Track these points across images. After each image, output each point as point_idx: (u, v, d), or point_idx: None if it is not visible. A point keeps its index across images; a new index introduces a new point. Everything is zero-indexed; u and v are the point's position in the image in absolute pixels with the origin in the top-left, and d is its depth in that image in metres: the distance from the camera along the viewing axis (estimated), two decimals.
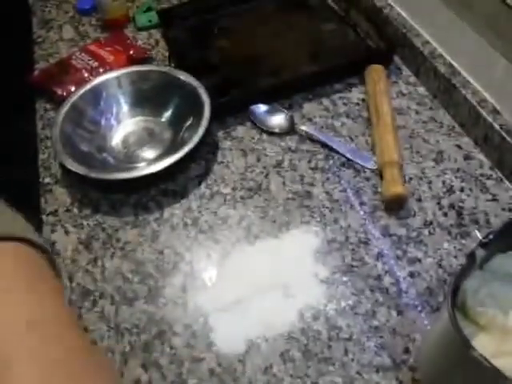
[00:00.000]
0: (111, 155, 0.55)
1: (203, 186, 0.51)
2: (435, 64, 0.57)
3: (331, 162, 0.52)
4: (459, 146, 0.53)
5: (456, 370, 0.33)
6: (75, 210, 0.50)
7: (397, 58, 0.62)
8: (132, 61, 0.64)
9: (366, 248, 0.45)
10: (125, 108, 0.59)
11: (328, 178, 0.51)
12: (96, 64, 0.64)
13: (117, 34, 0.70)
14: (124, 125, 0.58)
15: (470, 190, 0.49)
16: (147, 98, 0.59)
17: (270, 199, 0.49)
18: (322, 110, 0.57)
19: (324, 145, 0.53)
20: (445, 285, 0.42)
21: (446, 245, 0.44)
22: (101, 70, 0.63)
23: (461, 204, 0.47)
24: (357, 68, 0.60)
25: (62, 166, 0.52)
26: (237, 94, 0.58)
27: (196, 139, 0.51)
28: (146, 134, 0.57)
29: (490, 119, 0.50)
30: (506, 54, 0.53)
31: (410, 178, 0.50)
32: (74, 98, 0.57)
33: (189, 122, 0.55)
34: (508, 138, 0.48)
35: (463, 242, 0.45)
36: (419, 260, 0.44)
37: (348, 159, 0.52)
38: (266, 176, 0.52)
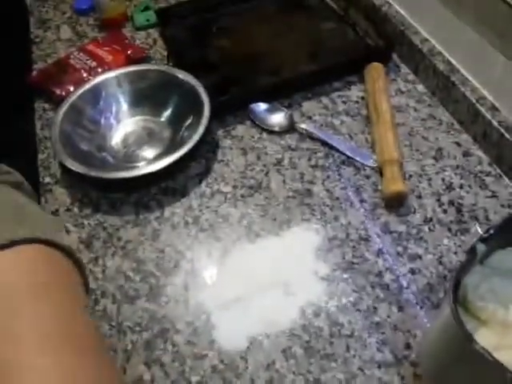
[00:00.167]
0: (111, 154, 0.56)
1: (203, 184, 0.52)
2: (434, 61, 0.57)
3: (331, 160, 0.53)
4: (458, 143, 0.53)
5: (458, 364, 0.33)
6: (75, 210, 0.51)
7: (395, 56, 0.63)
8: (130, 60, 0.65)
9: (367, 245, 0.45)
10: (124, 107, 0.59)
11: (328, 176, 0.51)
12: (94, 64, 0.64)
13: (115, 34, 0.70)
14: (123, 124, 0.59)
15: (470, 186, 0.49)
16: (146, 98, 0.59)
17: (270, 197, 0.50)
18: (321, 108, 0.58)
19: (324, 143, 0.54)
20: (445, 281, 0.42)
21: (445, 241, 0.45)
22: (99, 70, 0.63)
23: (460, 201, 0.48)
24: (356, 66, 0.60)
25: (62, 166, 0.52)
26: (236, 93, 0.59)
27: (196, 138, 0.51)
28: (146, 133, 0.58)
29: (488, 116, 0.51)
30: (504, 51, 0.53)
31: (410, 176, 0.51)
32: (73, 97, 0.57)
33: (188, 121, 0.55)
34: (507, 135, 0.49)
35: (463, 238, 0.45)
36: (419, 256, 0.44)
37: (348, 157, 0.53)
38: (267, 174, 0.52)
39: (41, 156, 0.57)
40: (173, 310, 0.42)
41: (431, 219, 0.47)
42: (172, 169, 0.51)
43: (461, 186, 0.49)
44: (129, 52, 0.66)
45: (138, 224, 0.49)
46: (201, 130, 0.52)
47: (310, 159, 0.53)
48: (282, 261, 0.45)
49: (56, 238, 0.26)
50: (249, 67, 0.63)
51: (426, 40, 0.60)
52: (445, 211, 0.47)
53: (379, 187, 0.50)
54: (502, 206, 0.47)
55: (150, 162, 0.53)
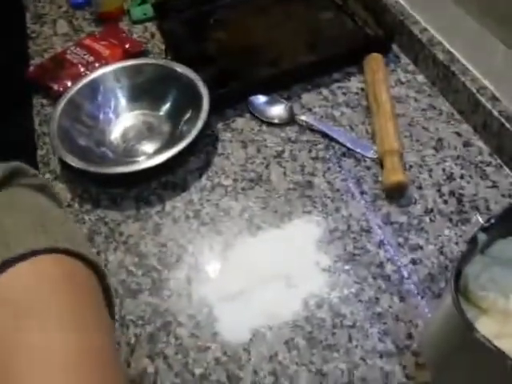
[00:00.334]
0: (110, 149, 0.56)
1: (204, 178, 0.52)
2: (434, 51, 0.57)
3: (332, 151, 0.53)
4: (458, 134, 0.54)
5: (459, 353, 0.34)
6: (76, 206, 0.51)
7: (395, 47, 0.63)
8: (128, 54, 0.65)
9: (368, 236, 0.46)
10: (122, 102, 0.59)
11: (329, 168, 0.52)
12: (92, 58, 0.64)
13: (112, 28, 0.70)
14: (122, 119, 0.59)
15: (470, 176, 0.50)
16: (145, 92, 0.59)
17: (271, 190, 0.50)
18: (321, 99, 0.58)
19: (324, 135, 0.54)
20: (446, 271, 0.43)
21: (446, 231, 0.46)
22: (97, 65, 0.63)
23: (461, 191, 0.48)
24: (355, 57, 0.60)
25: (62, 162, 0.53)
26: (235, 86, 0.59)
27: (195, 132, 0.51)
28: (145, 127, 0.58)
29: (489, 106, 0.51)
30: (504, 40, 0.53)
31: (411, 166, 0.51)
32: (71, 92, 0.57)
33: (187, 115, 0.56)
34: (507, 125, 0.49)
35: (464, 228, 0.46)
36: (421, 247, 0.45)
37: (348, 148, 0.53)
38: (267, 167, 0.52)
39: (40, 152, 0.57)
40: (175, 304, 0.43)
41: (432, 210, 0.47)
42: (172, 163, 0.51)
43: (461, 177, 0.50)
44: (126, 46, 0.66)
45: (139, 219, 0.49)
46: (200, 123, 0.52)
47: (310, 151, 0.53)
48: (284, 253, 0.45)
49: (79, 249, 0.26)
50: (247, 59, 0.63)
51: (426, 30, 0.60)
52: (445, 202, 0.48)
53: (380, 178, 0.50)
54: (503, 195, 0.48)
55: (149, 156, 0.53)
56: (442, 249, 0.44)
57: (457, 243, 0.45)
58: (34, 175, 0.30)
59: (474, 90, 0.52)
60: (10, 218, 0.26)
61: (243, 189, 0.51)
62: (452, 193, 0.48)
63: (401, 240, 0.45)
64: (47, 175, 0.54)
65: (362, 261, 0.44)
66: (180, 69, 0.58)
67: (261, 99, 0.57)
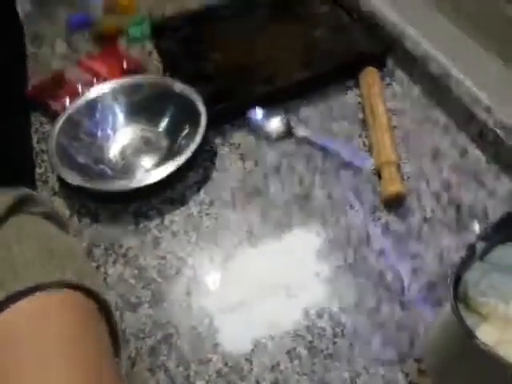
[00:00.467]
0: (109, 166, 0.59)
1: (202, 192, 0.55)
2: (428, 65, 0.62)
3: (329, 164, 0.56)
4: (455, 143, 0.57)
5: (460, 360, 0.36)
6: (75, 220, 0.54)
7: (390, 61, 0.67)
8: (126, 72, 0.69)
9: (368, 246, 0.48)
10: (121, 119, 0.63)
11: (327, 180, 0.55)
12: (90, 77, 0.69)
13: (110, 47, 0.74)
14: (121, 135, 0.62)
15: (468, 185, 0.53)
16: (143, 108, 0.63)
17: (270, 203, 0.53)
18: (318, 113, 0.62)
19: (321, 147, 0.58)
20: (446, 279, 0.45)
21: (446, 240, 0.48)
22: (95, 83, 0.67)
23: (459, 200, 0.51)
24: (351, 71, 0.65)
25: (60, 179, 0.56)
26: (232, 102, 0.63)
27: (193, 147, 0.54)
28: (143, 143, 0.61)
29: (484, 117, 0.54)
30: (498, 53, 0.58)
31: (408, 177, 0.54)
32: (70, 110, 0.61)
33: (186, 131, 0.59)
34: (502, 135, 0.52)
35: (463, 236, 0.48)
36: (420, 255, 0.47)
37: (346, 160, 0.56)
38: (265, 180, 0.55)
39: (38, 170, 0.60)
40: (176, 316, 0.45)
41: (431, 218, 0.50)
42: (170, 179, 0.54)
43: (459, 185, 0.53)
44: (124, 64, 0.70)
45: (138, 232, 0.52)
46: (198, 139, 0.55)
47: (308, 164, 0.57)
48: (284, 264, 0.48)
49: (85, 282, 0.27)
50: (244, 76, 0.67)
51: (419, 44, 0.64)
52: (444, 210, 0.51)
53: (378, 189, 0.53)
54: (501, 203, 0.51)
55: (148, 172, 0.57)
56: (442, 257, 0.47)
57: (456, 251, 0.47)
58: (43, 202, 0.33)
59: (469, 102, 0.56)
60: (20, 246, 0.28)
61: (242, 202, 0.54)
62: (450, 201, 0.51)
63: (400, 249, 0.48)
64: (46, 193, 0.57)
65: (362, 270, 0.47)
66: (177, 86, 0.62)
67: (258, 114, 0.61)
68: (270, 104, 0.62)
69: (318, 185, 0.54)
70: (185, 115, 0.60)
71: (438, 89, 0.61)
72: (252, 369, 0.41)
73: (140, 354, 0.43)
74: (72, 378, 0.24)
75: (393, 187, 0.51)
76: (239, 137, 0.60)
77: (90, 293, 0.28)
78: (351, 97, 0.64)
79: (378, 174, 0.54)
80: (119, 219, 0.53)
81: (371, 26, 0.69)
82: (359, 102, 0.63)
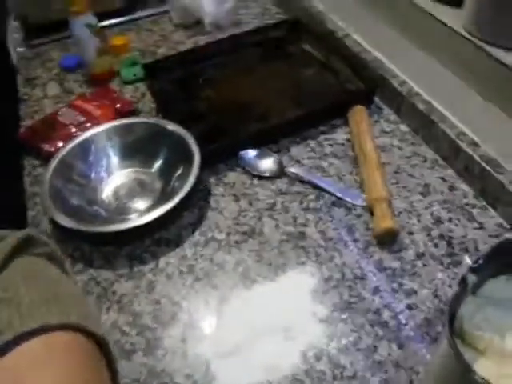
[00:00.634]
0: (102, 208, 0.60)
1: (197, 233, 0.56)
2: (413, 102, 0.65)
3: (322, 201, 0.58)
4: (443, 179, 0.59)
5: None
6: (67, 263, 0.54)
7: (377, 99, 0.71)
8: (119, 114, 0.71)
9: (363, 283, 0.49)
10: (114, 160, 0.65)
11: (320, 218, 0.56)
12: (83, 119, 0.71)
13: (103, 89, 0.77)
14: (114, 177, 0.64)
15: (458, 219, 0.55)
16: (136, 150, 0.65)
17: (264, 242, 0.54)
18: (309, 151, 0.64)
19: (314, 185, 0.60)
20: (442, 314, 0.46)
21: (439, 274, 0.50)
22: (88, 125, 0.69)
23: (450, 234, 0.53)
24: (340, 110, 0.68)
25: (53, 222, 0.56)
26: (225, 141, 0.65)
27: (187, 188, 0.56)
28: (137, 185, 0.63)
29: (469, 151, 0.57)
30: (479, 91, 0.61)
31: (400, 212, 0.56)
32: (63, 153, 0.63)
33: (179, 171, 0.61)
34: (488, 168, 0.55)
35: (456, 270, 0.50)
36: (415, 292, 0.49)
37: (338, 198, 0.58)
38: (259, 219, 0.57)
39: (31, 213, 0.61)
40: (171, 363, 0.45)
41: (423, 254, 0.52)
42: (164, 219, 0.55)
43: (449, 220, 0.55)
44: (117, 106, 0.72)
45: (133, 277, 0.53)
46: (191, 179, 0.57)
47: (301, 202, 0.58)
48: (280, 305, 0.49)
49: (88, 325, 0.28)
50: (236, 116, 0.70)
51: (405, 82, 0.68)
52: (436, 245, 0.52)
53: (370, 225, 0.55)
54: (490, 236, 0.53)
55: (142, 213, 0.58)
56: (437, 292, 0.48)
57: (450, 286, 0.49)
58: (45, 243, 0.34)
59: (454, 137, 0.59)
60: (26, 288, 0.29)
61: (237, 242, 0.55)
62: (441, 236, 0.53)
63: (395, 285, 0.49)
64: (36, 232, 0.58)
65: (359, 308, 0.48)
66: (170, 126, 0.64)
67: (251, 153, 0.63)
68: (262, 143, 0.65)
69: (311, 223, 0.56)
70: (178, 155, 0.61)
71: (424, 125, 0.64)
72: None
73: None
74: None
75: (384, 224, 0.53)
76: (233, 176, 0.62)
77: (91, 336, 0.29)
78: (341, 135, 0.66)
79: (370, 210, 0.56)
80: (113, 263, 0.54)
81: (358, 65, 0.73)
82: (349, 140, 0.65)
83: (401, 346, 0.45)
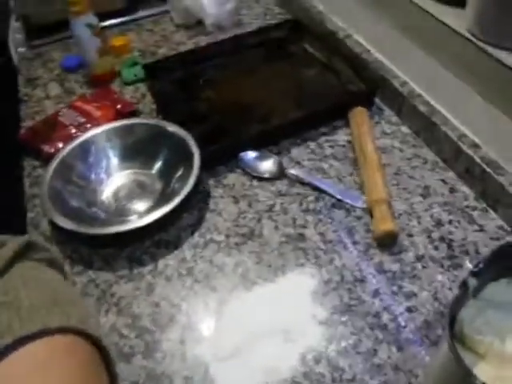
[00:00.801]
0: (102, 209, 0.60)
1: (196, 235, 0.56)
2: (415, 103, 0.65)
3: (322, 203, 0.58)
4: (444, 181, 0.59)
5: None
6: (67, 267, 0.54)
7: (378, 100, 0.71)
8: (119, 115, 0.71)
9: (362, 286, 0.50)
10: (114, 161, 0.65)
11: (320, 220, 0.56)
12: (83, 120, 0.71)
13: (103, 90, 0.77)
14: (114, 178, 0.64)
15: (458, 222, 0.55)
16: (136, 151, 0.65)
17: (263, 244, 0.55)
18: (309, 153, 0.64)
19: (314, 187, 0.60)
20: (442, 317, 0.46)
21: (439, 277, 0.50)
22: (88, 126, 0.70)
23: (450, 236, 0.53)
24: (341, 111, 0.68)
25: (52, 223, 0.57)
26: (225, 143, 0.65)
27: (187, 189, 0.56)
28: (137, 186, 0.63)
29: (470, 153, 0.57)
30: (480, 92, 0.61)
31: (400, 214, 0.56)
32: (63, 154, 0.63)
33: (179, 173, 0.61)
34: (489, 170, 0.55)
35: (456, 273, 0.50)
36: (415, 294, 0.49)
37: (338, 200, 0.58)
38: (259, 221, 0.57)
39: (30, 214, 0.61)
40: (170, 366, 0.45)
41: (423, 256, 0.52)
42: (164, 221, 0.55)
43: (450, 222, 0.55)
44: (118, 107, 0.73)
45: (132, 279, 0.53)
46: (191, 181, 0.57)
47: (301, 204, 0.58)
48: (280, 307, 0.49)
49: (88, 328, 0.29)
50: (236, 117, 0.70)
51: (406, 83, 0.68)
52: (436, 247, 0.52)
53: (370, 227, 0.55)
54: (491, 238, 0.53)
55: (141, 215, 0.58)
56: (436, 295, 0.48)
57: (450, 288, 0.49)
58: (45, 248, 0.34)
59: (455, 139, 0.59)
60: (26, 292, 0.29)
61: (236, 244, 0.55)
62: (442, 238, 0.53)
63: (395, 288, 0.49)
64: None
65: (358, 311, 0.48)
66: (171, 127, 0.64)
67: (251, 155, 0.63)
68: (263, 144, 0.65)
69: (311, 225, 0.56)
70: (178, 157, 0.62)
71: (425, 126, 0.64)
72: None
73: None
74: None
75: (384, 226, 0.53)
76: (232, 178, 0.62)
77: (91, 339, 0.29)
78: (341, 136, 0.66)
79: (370, 212, 0.56)
80: (112, 265, 0.54)
81: (359, 66, 0.73)
82: (349, 141, 0.65)
83: (400, 349, 0.45)
